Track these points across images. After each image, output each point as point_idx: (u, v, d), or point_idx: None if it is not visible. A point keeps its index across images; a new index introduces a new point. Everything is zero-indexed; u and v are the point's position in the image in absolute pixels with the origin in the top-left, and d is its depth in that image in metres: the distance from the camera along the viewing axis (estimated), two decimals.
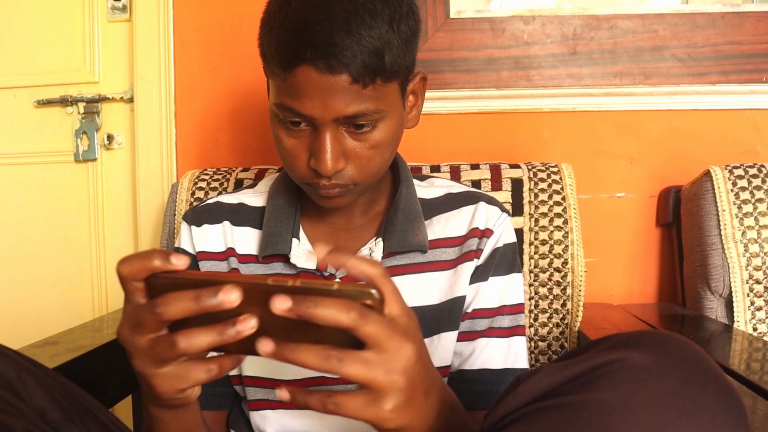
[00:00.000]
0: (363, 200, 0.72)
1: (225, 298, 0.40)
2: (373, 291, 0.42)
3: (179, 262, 0.42)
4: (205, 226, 0.74)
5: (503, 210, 0.74)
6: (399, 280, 0.69)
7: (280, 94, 0.60)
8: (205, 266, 0.72)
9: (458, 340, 0.70)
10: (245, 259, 0.72)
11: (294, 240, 0.70)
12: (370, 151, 0.62)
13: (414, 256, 0.70)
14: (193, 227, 0.74)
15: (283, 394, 0.42)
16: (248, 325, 0.41)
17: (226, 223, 0.73)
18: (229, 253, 0.72)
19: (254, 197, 0.76)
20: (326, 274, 0.69)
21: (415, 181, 0.76)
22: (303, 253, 0.70)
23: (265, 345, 0.41)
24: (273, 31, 0.59)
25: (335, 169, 0.60)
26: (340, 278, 0.68)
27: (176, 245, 0.76)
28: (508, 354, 0.70)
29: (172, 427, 0.54)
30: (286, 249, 0.69)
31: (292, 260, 0.69)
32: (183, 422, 0.54)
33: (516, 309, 0.71)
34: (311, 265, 0.69)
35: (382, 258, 0.69)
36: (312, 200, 0.73)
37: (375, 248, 0.69)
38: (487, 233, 0.71)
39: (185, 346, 0.42)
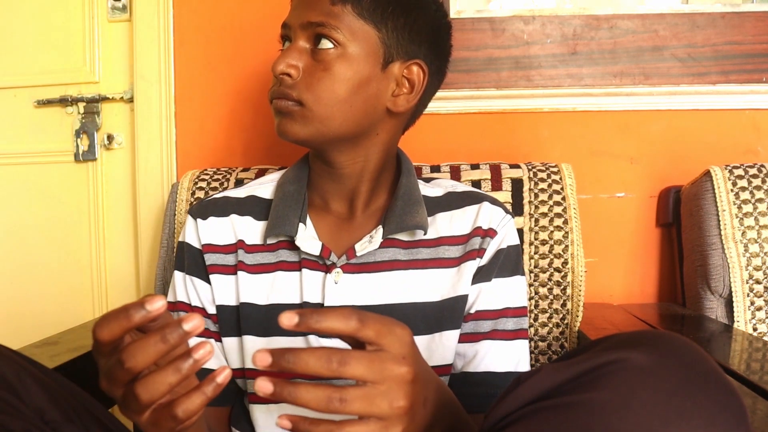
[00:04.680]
0: (365, 190, 0.73)
1: (192, 325, 0.40)
2: None
3: (155, 307, 0.40)
4: (212, 219, 0.74)
5: (507, 212, 0.74)
6: (403, 275, 0.70)
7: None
8: (211, 258, 0.73)
9: (461, 342, 0.70)
10: (252, 249, 0.73)
11: (300, 224, 0.71)
12: (322, 72, 0.65)
13: (418, 252, 0.71)
14: (199, 220, 0.74)
15: (284, 422, 0.41)
16: (206, 350, 0.41)
17: (234, 215, 0.74)
18: (239, 245, 0.73)
19: (262, 187, 0.78)
20: (328, 262, 0.70)
21: (420, 182, 0.77)
22: (308, 237, 0.70)
23: (264, 386, 0.40)
24: None
25: (285, 70, 0.65)
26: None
27: (180, 239, 0.76)
28: (512, 357, 0.70)
29: None
30: (292, 231, 0.70)
31: (297, 242, 0.69)
32: None
33: (520, 312, 0.72)
34: (315, 250, 0.69)
35: (381, 245, 0.69)
36: (318, 192, 0.74)
37: (375, 235, 0.70)
38: (490, 233, 0.71)
39: (147, 397, 0.41)
